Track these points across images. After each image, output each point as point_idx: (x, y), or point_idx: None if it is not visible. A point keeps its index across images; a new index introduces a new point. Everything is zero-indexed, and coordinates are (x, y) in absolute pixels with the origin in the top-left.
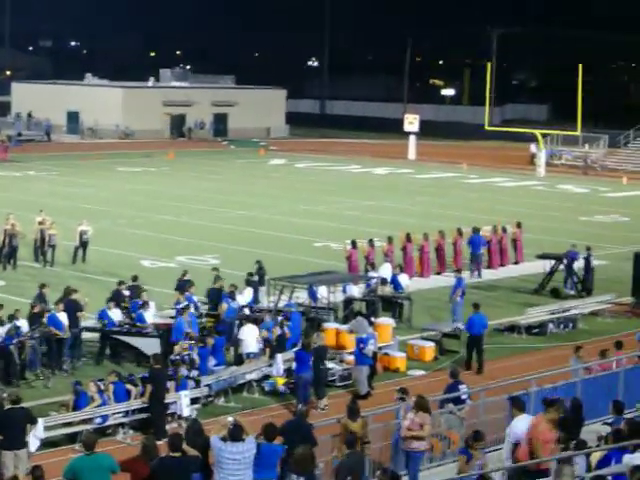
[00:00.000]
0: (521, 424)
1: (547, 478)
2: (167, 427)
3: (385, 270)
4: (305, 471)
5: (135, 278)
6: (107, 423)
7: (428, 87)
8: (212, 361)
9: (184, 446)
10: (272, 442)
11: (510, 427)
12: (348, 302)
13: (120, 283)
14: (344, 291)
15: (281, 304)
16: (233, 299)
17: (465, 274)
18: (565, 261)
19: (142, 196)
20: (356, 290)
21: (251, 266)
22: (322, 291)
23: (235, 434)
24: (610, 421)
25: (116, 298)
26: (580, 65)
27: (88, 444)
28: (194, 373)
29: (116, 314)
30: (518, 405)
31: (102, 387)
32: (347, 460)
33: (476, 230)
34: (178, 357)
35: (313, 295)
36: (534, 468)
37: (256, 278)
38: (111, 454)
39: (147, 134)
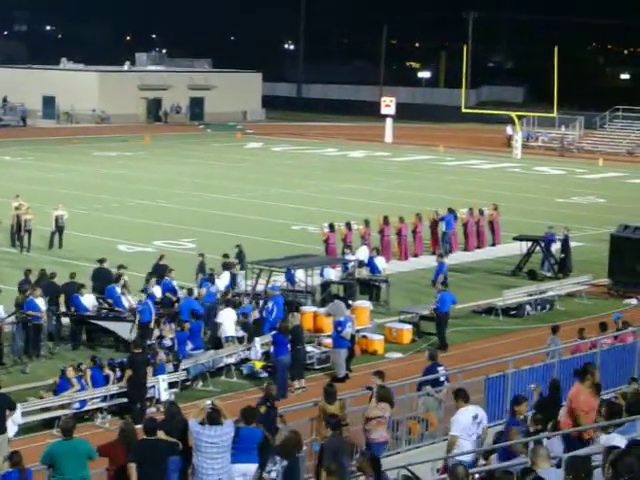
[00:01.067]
0: (465, 415)
1: (592, 446)
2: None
3: (362, 253)
4: (290, 455)
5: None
6: (85, 408)
7: (404, 70)
8: (189, 345)
9: (160, 434)
10: (251, 425)
11: (455, 418)
12: (326, 285)
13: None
14: (321, 274)
15: (260, 287)
16: (212, 283)
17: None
18: (542, 243)
19: (118, 181)
20: (333, 273)
21: (228, 249)
22: (299, 274)
23: (213, 418)
24: None
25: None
26: (556, 47)
27: (66, 429)
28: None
29: (88, 300)
30: (463, 396)
31: (80, 372)
32: (330, 442)
33: (451, 210)
34: (154, 342)
35: (291, 278)
36: (577, 437)
37: (236, 262)
38: (89, 440)
39: (123, 118)
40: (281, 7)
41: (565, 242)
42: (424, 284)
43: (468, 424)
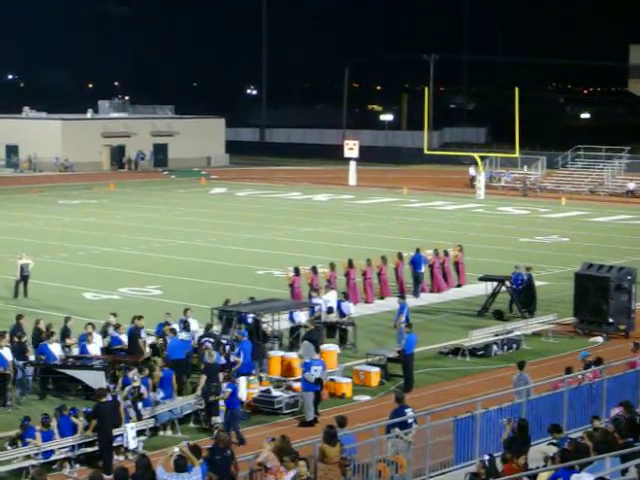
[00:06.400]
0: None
1: None
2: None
3: (330, 298)
4: None
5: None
6: (53, 458)
7: (367, 113)
8: (160, 394)
9: None
10: None
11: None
12: (294, 329)
13: (67, 319)
14: (291, 319)
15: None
16: (187, 330)
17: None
18: (508, 283)
19: (83, 228)
20: (303, 317)
21: (194, 296)
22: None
23: (180, 465)
24: (556, 442)
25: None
26: (516, 88)
27: None
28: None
29: (56, 348)
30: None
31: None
32: None
33: (418, 250)
34: (117, 390)
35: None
36: None
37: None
38: None
39: (87, 166)
40: (242, 53)
41: (528, 281)
42: (390, 326)
43: None
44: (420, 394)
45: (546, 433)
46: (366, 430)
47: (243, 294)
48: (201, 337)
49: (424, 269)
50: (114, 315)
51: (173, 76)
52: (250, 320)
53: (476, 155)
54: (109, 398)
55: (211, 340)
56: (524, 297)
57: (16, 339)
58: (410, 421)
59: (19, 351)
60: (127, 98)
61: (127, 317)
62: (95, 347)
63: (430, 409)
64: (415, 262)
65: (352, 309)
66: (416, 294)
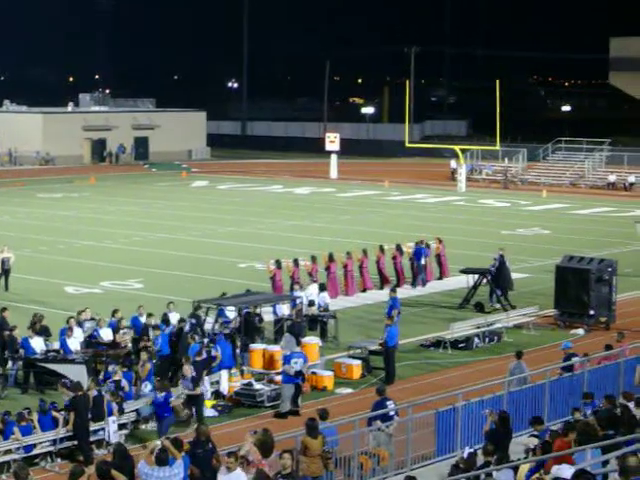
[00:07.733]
0: None
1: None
2: (96, 453)
3: (312, 291)
4: None
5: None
6: (34, 452)
7: (348, 106)
8: (148, 387)
9: (113, 472)
10: None
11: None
12: (278, 322)
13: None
14: (274, 312)
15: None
16: (167, 324)
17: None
18: (489, 276)
19: (64, 222)
20: (286, 309)
21: (175, 289)
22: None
23: (162, 459)
24: (537, 433)
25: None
26: (497, 81)
27: (21, 476)
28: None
29: (38, 342)
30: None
31: (26, 420)
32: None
33: (420, 242)
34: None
35: (222, 314)
36: None
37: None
38: None
39: (68, 160)
40: (224, 46)
41: (501, 264)
42: (372, 319)
43: None
44: (401, 386)
45: (526, 426)
46: (348, 423)
47: (225, 287)
48: (188, 316)
49: (424, 261)
50: (83, 310)
51: (154, 69)
52: (232, 315)
53: (457, 148)
54: (95, 392)
55: (193, 321)
56: (497, 279)
57: (7, 332)
58: (391, 413)
59: (10, 344)
60: (108, 91)
61: (109, 311)
62: (75, 341)
63: (412, 401)
64: (416, 254)
65: (328, 299)
66: (423, 283)
